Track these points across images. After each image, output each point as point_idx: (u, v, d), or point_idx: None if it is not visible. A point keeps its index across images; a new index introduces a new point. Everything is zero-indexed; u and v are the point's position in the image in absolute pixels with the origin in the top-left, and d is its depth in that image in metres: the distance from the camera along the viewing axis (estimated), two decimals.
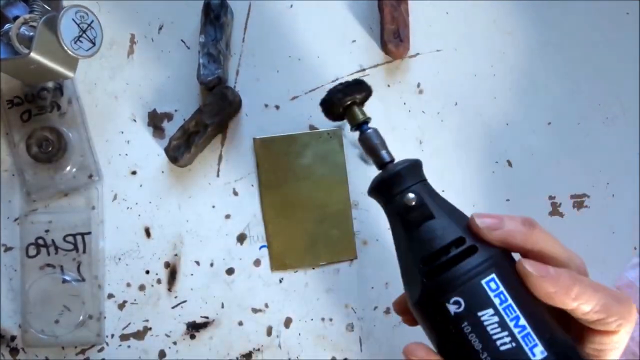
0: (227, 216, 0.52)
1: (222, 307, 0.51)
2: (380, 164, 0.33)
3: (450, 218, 0.30)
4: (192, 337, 0.51)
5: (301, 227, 0.51)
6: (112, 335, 0.51)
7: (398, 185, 0.31)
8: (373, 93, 0.36)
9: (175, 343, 0.51)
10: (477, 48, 0.53)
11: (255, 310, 0.51)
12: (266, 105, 0.53)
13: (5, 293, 0.51)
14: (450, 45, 0.53)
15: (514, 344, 0.26)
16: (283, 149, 0.52)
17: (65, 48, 0.43)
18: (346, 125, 0.52)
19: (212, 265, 0.51)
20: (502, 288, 0.27)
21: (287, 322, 0.51)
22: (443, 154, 0.52)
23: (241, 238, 0.52)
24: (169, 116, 0.52)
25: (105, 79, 0.53)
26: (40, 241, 0.51)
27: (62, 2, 0.50)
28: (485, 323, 0.27)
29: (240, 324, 0.51)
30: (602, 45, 0.53)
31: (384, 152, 0.33)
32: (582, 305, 0.28)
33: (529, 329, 0.27)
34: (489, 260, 0.28)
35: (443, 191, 0.52)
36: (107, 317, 0.51)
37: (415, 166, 0.32)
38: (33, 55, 0.43)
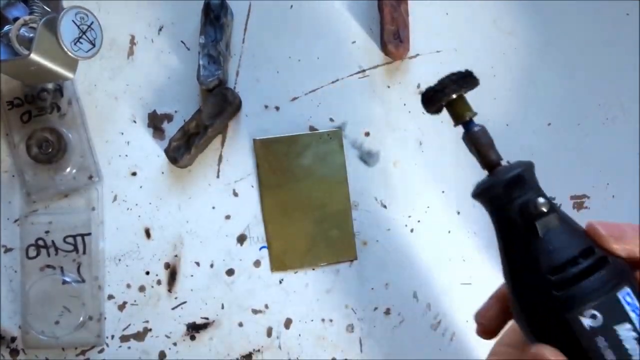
0: (227, 217, 0.52)
1: (222, 308, 0.51)
2: (490, 165, 0.31)
3: (571, 225, 0.28)
4: (192, 338, 0.51)
5: (301, 228, 0.51)
6: (112, 336, 0.51)
7: (516, 191, 0.29)
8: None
9: (175, 344, 0.51)
10: (477, 48, 0.53)
11: (255, 311, 0.51)
12: (266, 106, 0.53)
13: (5, 294, 0.51)
14: (450, 46, 0.53)
15: None
16: (283, 149, 0.52)
17: (65, 49, 0.43)
18: (346, 126, 0.52)
19: (212, 266, 0.51)
20: (637, 302, 0.26)
21: (287, 323, 0.51)
22: (443, 155, 0.52)
23: (241, 239, 0.52)
24: (169, 117, 0.52)
25: (105, 80, 0.53)
26: (41, 242, 0.51)
27: (62, 3, 0.50)
28: (621, 337, 0.25)
29: (241, 324, 0.51)
30: (602, 45, 0.53)
31: (494, 152, 0.31)
32: None
33: None
34: (622, 272, 0.27)
35: (443, 191, 0.52)
36: (107, 318, 0.51)
37: (530, 169, 0.30)
38: (33, 56, 0.43)
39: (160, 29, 0.53)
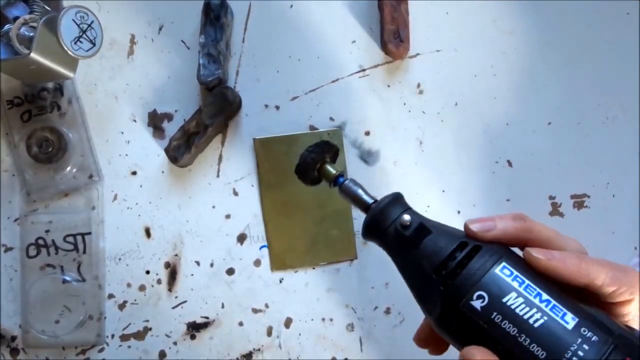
0: (227, 216, 0.52)
1: (223, 307, 0.51)
2: (365, 207, 0.35)
3: (446, 230, 0.31)
4: (193, 337, 0.51)
5: (301, 227, 0.51)
6: (113, 336, 0.51)
7: (388, 217, 0.32)
8: (339, 150, 0.39)
9: (175, 343, 0.51)
10: (477, 48, 0.53)
11: (255, 311, 0.51)
12: (266, 106, 0.53)
13: (5, 293, 0.51)
14: (450, 46, 0.53)
15: (545, 318, 0.27)
16: (283, 149, 0.52)
17: (66, 48, 0.43)
18: (346, 125, 0.52)
19: (212, 265, 0.51)
20: (516, 272, 0.28)
21: (288, 322, 0.51)
22: (443, 154, 0.52)
23: (241, 238, 0.52)
24: (169, 116, 0.52)
25: (106, 80, 0.53)
26: (41, 241, 0.51)
27: (62, 3, 0.50)
28: (513, 306, 0.27)
29: (241, 324, 0.51)
30: (602, 45, 0.53)
31: (365, 197, 0.35)
32: (593, 280, 0.29)
33: (553, 301, 0.27)
34: (496, 252, 0.29)
35: (443, 191, 0.52)
36: (108, 317, 0.51)
37: (397, 198, 0.34)
38: (33, 55, 0.43)
39: (160, 29, 0.53)
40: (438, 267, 0.30)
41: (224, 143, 0.52)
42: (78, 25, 0.44)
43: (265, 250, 0.51)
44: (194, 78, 0.50)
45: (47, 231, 0.51)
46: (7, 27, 0.46)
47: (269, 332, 0.51)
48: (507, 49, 0.53)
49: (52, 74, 0.47)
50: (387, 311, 0.51)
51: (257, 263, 0.51)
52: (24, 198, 0.52)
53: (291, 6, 0.53)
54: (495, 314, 0.27)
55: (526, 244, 0.31)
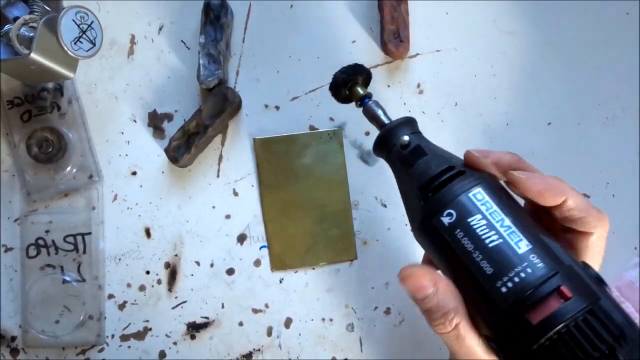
0: (227, 216, 0.52)
1: (223, 307, 0.51)
2: (381, 126, 0.38)
3: (440, 154, 0.35)
4: (193, 337, 0.51)
5: (301, 227, 0.51)
6: (113, 336, 0.51)
7: (395, 136, 0.36)
8: (372, 76, 0.41)
9: (175, 343, 0.51)
10: (477, 48, 0.53)
11: (255, 311, 0.51)
12: (266, 106, 0.53)
13: (5, 293, 0.51)
14: (450, 46, 0.53)
15: (500, 240, 0.30)
16: (283, 149, 0.52)
17: (66, 49, 0.43)
18: (346, 125, 0.52)
19: (212, 265, 0.51)
20: (487, 198, 0.31)
21: (288, 323, 0.51)
22: None
23: (241, 238, 0.52)
24: (169, 117, 0.52)
25: (106, 80, 0.53)
26: (41, 241, 0.51)
27: (62, 3, 0.50)
28: (475, 226, 0.31)
29: (241, 324, 0.51)
30: (602, 45, 0.53)
31: (383, 117, 0.38)
32: (568, 200, 0.32)
33: (513, 228, 0.30)
34: (476, 178, 0.32)
35: None
36: (108, 317, 0.51)
37: (408, 121, 0.37)
38: (33, 55, 0.43)
39: (160, 29, 0.53)
40: (424, 184, 0.33)
41: (224, 143, 0.52)
42: (78, 26, 0.44)
43: (265, 251, 0.51)
44: (194, 78, 0.50)
45: (47, 231, 0.51)
46: (7, 27, 0.46)
47: (269, 332, 0.51)
48: (507, 49, 0.53)
49: (52, 74, 0.47)
50: (387, 311, 0.51)
51: (257, 263, 0.51)
52: (24, 198, 0.52)
53: (291, 6, 0.53)
54: (458, 230, 0.31)
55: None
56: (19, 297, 0.51)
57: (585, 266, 0.31)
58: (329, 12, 0.53)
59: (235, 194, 0.52)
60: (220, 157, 0.52)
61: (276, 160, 0.52)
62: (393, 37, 0.51)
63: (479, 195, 0.31)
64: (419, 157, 0.34)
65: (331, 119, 0.52)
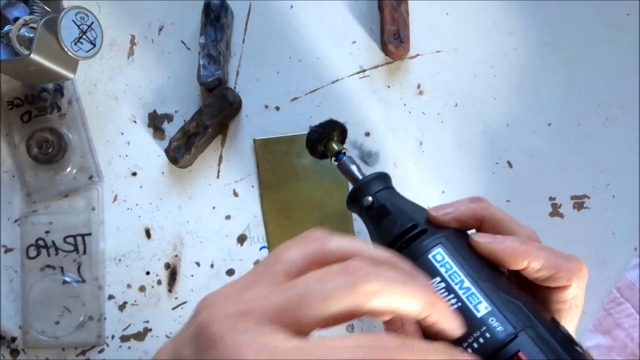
0: (228, 217, 0.52)
1: None
2: (355, 181, 0.39)
3: (406, 212, 0.35)
4: None
5: (301, 228, 0.51)
6: (113, 337, 0.51)
7: (364, 193, 0.37)
8: (348, 130, 0.43)
9: None
10: (477, 49, 0.53)
11: None
12: (266, 106, 0.53)
13: (5, 294, 0.51)
14: (451, 46, 0.53)
15: (459, 304, 0.30)
16: (283, 149, 0.52)
17: (66, 49, 0.43)
18: (347, 125, 0.52)
19: (212, 266, 0.51)
20: (447, 259, 0.31)
21: None
22: (443, 155, 0.52)
23: (241, 239, 0.52)
24: (169, 117, 0.52)
25: (106, 80, 0.53)
26: (41, 242, 0.51)
27: (62, 3, 0.50)
28: (435, 290, 0.30)
29: None
30: (602, 45, 0.53)
31: (357, 173, 0.39)
32: (531, 263, 0.31)
33: (473, 289, 0.30)
34: (437, 238, 0.32)
35: (443, 192, 0.52)
36: (108, 318, 0.51)
37: (380, 177, 0.37)
38: (33, 56, 0.43)
39: (160, 29, 0.53)
40: (389, 244, 0.34)
41: (224, 144, 0.52)
42: (78, 26, 0.44)
43: (266, 251, 0.51)
44: (194, 79, 0.50)
45: (47, 232, 0.51)
46: (7, 28, 0.46)
47: None
48: (507, 50, 0.53)
49: (52, 74, 0.47)
50: None
51: (258, 264, 0.51)
52: (24, 199, 0.52)
53: (291, 7, 0.53)
54: None
55: (481, 225, 0.34)
56: (19, 298, 0.51)
57: (554, 324, 0.30)
58: (329, 13, 0.53)
59: (236, 194, 0.52)
60: (221, 158, 0.52)
61: (276, 160, 0.52)
62: (393, 37, 0.51)
63: (438, 257, 0.31)
64: (385, 216, 0.35)
65: (333, 120, 0.52)
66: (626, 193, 0.52)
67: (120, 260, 0.51)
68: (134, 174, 0.52)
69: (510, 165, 0.52)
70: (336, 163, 0.40)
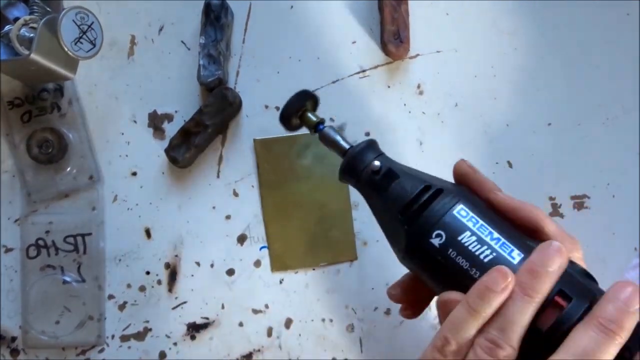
0: (228, 217, 0.52)
1: (223, 307, 0.51)
2: (342, 152, 0.37)
3: (413, 175, 0.35)
4: (193, 338, 0.51)
5: (301, 228, 0.51)
6: (113, 336, 0.51)
7: (361, 162, 0.35)
8: (320, 99, 0.40)
9: (175, 344, 0.51)
10: (477, 49, 0.53)
11: (255, 311, 0.51)
12: (266, 106, 0.53)
13: (5, 294, 0.51)
14: (451, 46, 0.53)
15: (494, 254, 0.30)
16: (283, 149, 0.52)
17: (66, 49, 0.43)
18: (346, 126, 0.52)
19: (212, 266, 0.51)
20: (471, 213, 0.32)
21: (288, 323, 0.51)
22: (443, 155, 0.52)
23: (241, 239, 0.52)
24: (169, 117, 0.52)
25: (106, 80, 0.53)
26: (41, 242, 0.51)
27: (62, 3, 0.50)
28: (466, 244, 0.31)
29: (241, 324, 0.51)
30: (602, 45, 0.53)
31: (342, 142, 0.37)
32: (546, 226, 0.33)
33: (503, 239, 0.31)
34: (455, 195, 0.33)
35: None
36: (108, 318, 0.51)
37: (371, 144, 0.36)
38: (33, 56, 0.43)
39: (160, 29, 0.53)
40: (403, 208, 0.33)
41: (224, 144, 0.52)
42: (78, 26, 0.44)
43: (266, 251, 0.51)
44: (194, 78, 0.50)
45: (47, 232, 0.51)
46: (7, 27, 0.46)
47: (269, 333, 0.51)
48: (507, 50, 0.53)
49: (52, 74, 0.47)
50: (387, 312, 0.51)
51: (257, 264, 0.51)
52: (24, 199, 0.52)
53: (291, 7, 0.53)
54: (451, 250, 0.31)
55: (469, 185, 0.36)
56: (19, 298, 0.51)
57: (572, 264, 0.31)
58: (329, 13, 0.53)
59: (236, 194, 0.52)
60: (221, 158, 0.52)
61: (276, 160, 0.52)
62: (393, 37, 0.51)
63: (462, 212, 0.32)
64: (392, 181, 0.34)
65: (331, 119, 0.52)
66: (626, 193, 0.52)
67: (120, 260, 0.51)
68: (134, 174, 0.52)
69: (510, 165, 0.52)
70: (317, 135, 0.38)
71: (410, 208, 0.33)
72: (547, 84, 0.53)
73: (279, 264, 0.51)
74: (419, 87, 0.53)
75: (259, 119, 0.52)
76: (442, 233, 0.31)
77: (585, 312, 0.28)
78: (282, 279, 0.51)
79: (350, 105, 0.52)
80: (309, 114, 0.39)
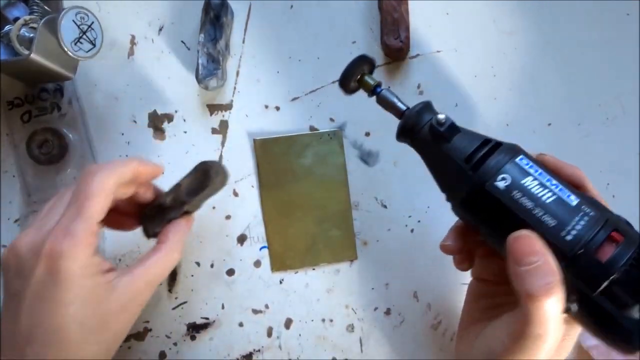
0: (228, 217, 0.52)
1: (223, 308, 0.51)
2: (400, 113, 0.40)
3: (469, 130, 0.38)
4: (193, 338, 0.51)
5: (301, 228, 0.51)
6: None
7: (423, 119, 0.38)
8: (376, 64, 0.42)
9: (175, 344, 0.51)
10: (477, 48, 0.53)
11: (255, 311, 0.51)
12: (266, 106, 0.53)
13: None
14: (451, 46, 0.53)
15: (555, 196, 0.34)
16: (283, 149, 0.52)
17: (66, 49, 0.43)
18: (346, 126, 0.52)
19: (212, 266, 0.51)
20: (531, 162, 0.36)
21: (288, 323, 0.51)
22: None
23: (241, 239, 0.52)
24: (169, 117, 0.52)
25: (106, 80, 0.53)
26: None
27: (62, 3, 0.50)
28: (529, 187, 0.34)
29: (241, 324, 0.51)
30: (602, 45, 0.53)
31: (400, 104, 0.40)
32: (587, 184, 0.38)
33: (561, 185, 0.35)
34: (514, 148, 0.37)
35: None
36: None
37: (429, 104, 0.39)
38: (33, 56, 0.43)
39: (160, 29, 0.53)
40: (468, 157, 0.36)
41: (224, 144, 0.52)
42: (78, 26, 0.44)
43: (266, 251, 0.51)
44: (194, 78, 0.50)
45: None
46: (7, 28, 0.46)
47: (269, 333, 0.51)
48: (507, 50, 0.53)
49: (52, 74, 0.47)
50: (387, 312, 0.51)
51: (257, 264, 0.51)
52: (24, 199, 0.52)
53: (291, 7, 0.53)
54: (515, 191, 0.34)
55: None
56: None
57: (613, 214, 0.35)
58: (329, 12, 0.53)
59: (236, 194, 0.52)
60: (220, 158, 0.52)
61: (276, 160, 0.52)
62: (393, 37, 0.51)
63: (524, 161, 0.35)
64: (455, 133, 0.37)
65: (331, 119, 0.52)
66: (626, 193, 0.52)
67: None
68: None
69: None
70: (374, 97, 0.40)
71: (474, 156, 0.36)
72: (547, 84, 0.53)
73: (279, 264, 0.51)
74: (419, 87, 0.53)
75: (259, 119, 0.52)
76: (507, 176, 0.34)
77: (637, 247, 0.32)
78: (282, 279, 0.51)
79: (350, 106, 0.52)
80: (367, 78, 0.41)
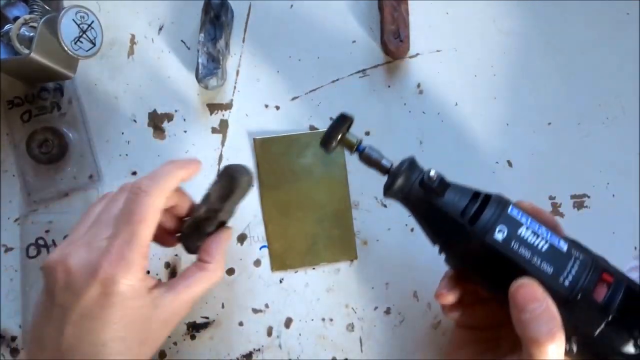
0: None
1: (223, 307, 0.51)
2: (385, 170, 0.40)
3: (459, 184, 0.38)
4: (193, 337, 0.51)
5: (301, 228, 0.51)
6: None
7: (409, 178, 0.39)
8: (354, 118, 0.42)
9: (175, 343, 0.51)
10: (477, 48, 0.53)
11: (255, 311, 0.51)
12: (266, 106, 0.53)
13: (5, 293, 0.51)
14: (450, 46, 0.53)
15: (548, 244, 0.35)
16: (283, 149, 0.52)
17: (66, 48, 0.43)
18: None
19: None
20: (520, 212, 0.37)
21: (288, 322, 0.51)
22: (443, 155, 0.52)
23: (241, 238, 0.52)
24: (169, 116, 0.52)
25: (106, 80, 0.53)
26: (41, 241, 0.51)
27: (62, 3, 0.50)
28: (524, 237, 0.35)
29: (241, 324, 0.51)
30: (602, 45, 0.53)
31: (384, 161, 0.40)
32: (560, 225, 0.40)
33: (550, 232, 0.36)
34: (503, 199, 0.37)
35: None
36: None
37: (413, 161, 0.40)
38: (33, 55, 0.43)
39: (160, 29, 0.53)
40: (462, 211, 0.37)
41: (224, 143, 0.52)
42: (78, 25, 0.44)
43: (265, 251, 0.51)
44: (194, 78, 0.50)
45: (47, 231, 0.51)
46: (7, 27, 0.46)
47: (269, 332, 0.51)
48: (507, 49, 0.53)
49: (52, 74, 0.47)
50: (387, 311, 0.51)
51: (257, 263, 0.51)
52: (24, 198, 0.52)
53: (291, 6, 0.53)
54: (513, 242, 0.35)
55: None
56: (19, 297, 0.51)
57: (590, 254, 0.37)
58: (329, 12, 0.53)
59: None
60: (221, 157, 0.52)
61: (276, 160, 0.52)
62: (393, 37, 0.51)
63: (514, 212, 0.36)
64: (446, 188, 0.38)
65: (331, 119, 0.52)
66: (626, 192, 0.52)
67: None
68: (134, 173, 0.52)
69: (510, 164, 0.52)
70: (357, 155, 0.41)
71: (468, 210, 0.36)
72: (547, 84, 0.53)
73: (278, 263, 0.51)
74: (419, 86, 0.53)
75: (258, 119, 0.52)
76: (504, 228, 0.35)
77: (625, 284, 0.34)
78: (282, 279, 0.51)
79: (350, 105, 0.52)
80: (349, 137, 0.41)
